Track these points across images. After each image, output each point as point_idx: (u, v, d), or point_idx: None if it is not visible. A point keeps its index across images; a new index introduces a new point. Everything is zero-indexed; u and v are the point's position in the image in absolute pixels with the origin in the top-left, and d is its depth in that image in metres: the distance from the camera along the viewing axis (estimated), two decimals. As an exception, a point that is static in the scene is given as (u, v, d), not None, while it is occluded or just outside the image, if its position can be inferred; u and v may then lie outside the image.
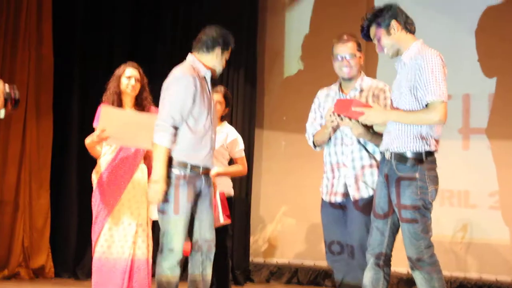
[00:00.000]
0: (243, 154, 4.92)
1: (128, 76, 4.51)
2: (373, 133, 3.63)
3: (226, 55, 3.82)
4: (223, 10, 6.84)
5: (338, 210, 3.80)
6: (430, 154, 3.31)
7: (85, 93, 6.52)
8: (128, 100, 4.53)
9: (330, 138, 3.84)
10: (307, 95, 6.70)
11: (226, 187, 4.75)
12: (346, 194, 3.76)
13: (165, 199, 3.59)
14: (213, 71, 3.79)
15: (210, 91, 3.77)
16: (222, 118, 4.92)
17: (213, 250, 3.76)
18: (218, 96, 4.76)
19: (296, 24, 7.07)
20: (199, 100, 3.64)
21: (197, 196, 3.67)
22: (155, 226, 4.23)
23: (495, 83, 6.10)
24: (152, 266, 4.24)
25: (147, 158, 4.53)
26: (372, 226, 3.46)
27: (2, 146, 6.15)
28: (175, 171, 3.61)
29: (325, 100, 3.90)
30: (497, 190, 6.00)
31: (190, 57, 3.80)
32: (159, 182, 3.53)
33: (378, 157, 3.69)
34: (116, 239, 4.39)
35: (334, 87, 3.92)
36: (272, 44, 7.14)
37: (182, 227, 3.60)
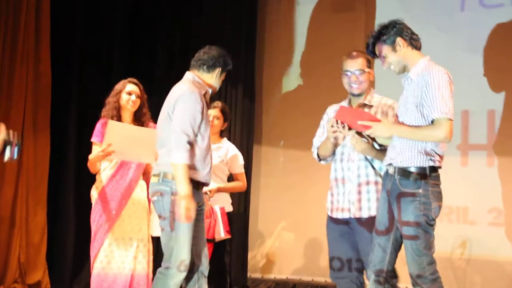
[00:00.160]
0: (242, 170, 4.93)
1: (129, 92, 4.54)
2: (378, 150, 3.61)
3: (223, 75, 3.88)
4: (223, 14, 6.94)
5: (343, 226, 3.78)
6: (434, 170, 3.30)
7: (83, 110, 6.51)
8: (127, 115, 4.55)
9: (335, 153, 3.82)
10: (305, 111, 6.79)
11: (225, 202, 4.74)
12: (350, 210, 3.74)
13: (167, 216, 3.60)
14: (212, 90, 3.84)
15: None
16: (221, 134, 4.92)
17: (208, 266, 3.77)
18: (215, 111, 4.77)
19: (295, 39, 7.09)
20: (205, 117, 3.69)
21: (195, 213, 3.66)
22: (157, 242, 4.21)
23: (494, 99, 6.12)
24: (152, 281, 4.21)
25: (146, 174, 4.53)
26: (374, 242, 3.44)
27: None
28: None
29: (333, 115, 3.90)
30: (496, 206, 5.99)
31: (189, 75, 3.84)
32: (189, 198, 3.53)
33: None
34: (116, 255, 4.38)
35: (344, 103, 3.91)
36: (271, 59, 7.16)
37: (184, 244, 3.61)
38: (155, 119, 3.98)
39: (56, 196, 6.47)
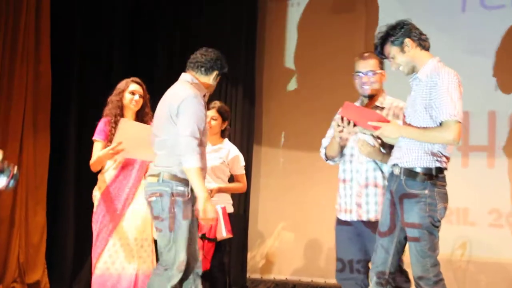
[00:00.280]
0: (243, 171, 4.92)
1: (132, 91, 4.53)
2: (384, 154, 3.58)
3: (218, 78, 3.89)
4: (223, 14, 6.95)
5: (351, 228, 3.75)
6: (440, 170, 3.28)
7: (83, 110, 6.50)
8: (130, 114, 4.55)
9: (344, 154, 3.80)
10: (305, 112, 6.79)
11: (226, 203, 4.73)
12: (357, 212, 3.71)
13: (166, 217, 3.59)
14: (209, 92, 3.87)
15: None
16: (222, 134, 4.90)
17: (201, 266, 3.78)
18: (212, 112, 4.75)
19: (296, 39, 7.08)
20: (206, 120, 3.73)
21: (192, 213, 3.68)
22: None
23: (495, 100, 6.12)
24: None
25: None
26: (377, 244, 3.43)
27: (-1, 164, 6.11)
28: (179, 188, 3.62)
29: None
30: (496, 207, 5.99)
31: (187, 76, 3.83)
32: (209, 200, 3.61)
33: None
34: (120, 255, 4.37)
35: (357, 104, 3.86)
36: (271, 59, 7.15)
37: (183, 245, 3.61)
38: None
39: (56, 196, 6.46)
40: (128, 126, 4.34)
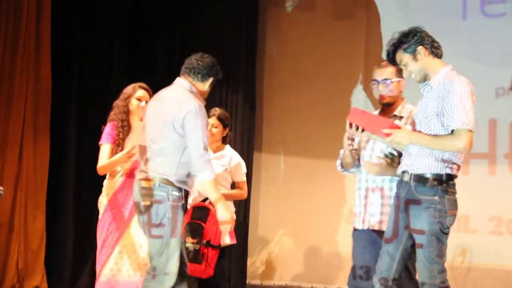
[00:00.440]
0: (245, 178, 4.93)
1: (139, 98, 4.52)
2: (395, 168, 3.51)
3: (212, 84, 3.88)
4: (223, 14, 6.97)
5: (366, 235, 3.72)
6: (450, 177, 3.26)
7: (83, 111, 6.49)
8: (136, 120, 4.52)
9: (361, 164, 3.77)
10: (306, 118, 6.79)
11: (229, 210, 4.72)
12: (371, 222, 3.70)
13: (166, 223, 3.59)
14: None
15: None
16: (224, 141, 4.89)
17: (188, 269, 3.79)
18: (212, 120, 4.75)
19: (297, 46, 7.07)
20: None
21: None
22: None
23: (495, 108, 6.11)
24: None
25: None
26: (382, 250, 3.41)
27: (-1, 167, 6.11)
28: (175, 193, 3.62)
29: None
30: (497, 215, 5.99)
31: (184, 83, 3.79)
32: (227, 206, 3.74)
33: None
34: (126, 262, 4.36)
35: (375, 113, 3.84)
36: (272, 66, 7.15)
37: (179, 251, 3.63)
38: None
39: (55, 200, 6.45)
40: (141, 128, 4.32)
